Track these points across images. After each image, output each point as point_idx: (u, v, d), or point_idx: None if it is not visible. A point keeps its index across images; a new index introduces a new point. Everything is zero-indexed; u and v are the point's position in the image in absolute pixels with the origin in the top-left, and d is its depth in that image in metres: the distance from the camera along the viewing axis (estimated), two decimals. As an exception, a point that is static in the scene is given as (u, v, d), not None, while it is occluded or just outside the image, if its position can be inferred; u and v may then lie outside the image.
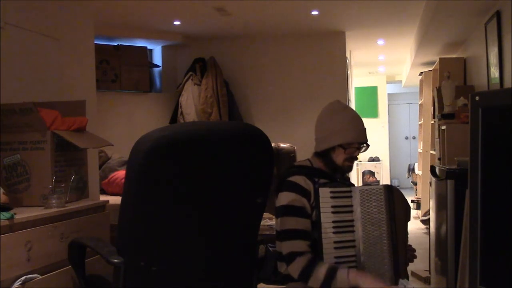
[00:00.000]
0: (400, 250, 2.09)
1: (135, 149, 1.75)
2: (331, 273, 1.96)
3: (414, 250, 2.22)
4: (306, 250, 2.03)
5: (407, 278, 2.14)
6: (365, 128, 2.21)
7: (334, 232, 2.04)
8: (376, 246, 2.05)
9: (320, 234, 2.03)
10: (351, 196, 2.09)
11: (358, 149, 2.19)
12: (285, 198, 2.10)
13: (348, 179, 2.39)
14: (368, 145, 2.22)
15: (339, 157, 2.16)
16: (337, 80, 6.29)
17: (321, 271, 1.96)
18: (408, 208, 2.19)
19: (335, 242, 2.04)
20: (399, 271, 2.07)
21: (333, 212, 2.05)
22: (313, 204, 2.08)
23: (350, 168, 2.21)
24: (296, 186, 2.09)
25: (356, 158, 2.23)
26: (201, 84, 6.04)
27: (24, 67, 2.74)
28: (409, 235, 2.21)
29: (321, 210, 2.04)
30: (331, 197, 2.06)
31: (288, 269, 2.04)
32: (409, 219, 2.20)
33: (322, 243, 2.02)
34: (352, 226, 2.07)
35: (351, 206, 2.09)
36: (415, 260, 2.23)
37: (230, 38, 6.32)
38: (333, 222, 2.04)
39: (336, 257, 2.02)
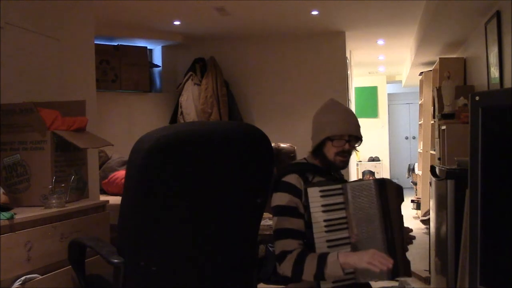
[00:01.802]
0: (397, 242, 2.08)
1: (135, 148, 1.75)
2: (322, 261, 1.95)
3: (411, 230, 2.20)
4: (296, 248, 2.02)
5: (408, 267, 2.11)
6: (356, 122, 2.19)
7: (326, 231, 2.04)
8: (370, 242, 2.05)
9: (311, 234, 2.03)
10: (342, 194, 2.09)
11: (349, 143, 2.18)
12: (278, 198, 2.10)
13: (343, 176, 2.37)
14: (360, 139, 2.20)
15: (329, 152, 2.16)
16: (337, 80, 6.29)
17: (312, 263, 1.96)
18: (400, 191, 2.17)
19: (328, 241, 2.03)
20: (397, 266, 2.05)
21: (324, 211, 2.05)
22: (305, 204, 2.08)
23: (343, 164, 2.19)
24: (289, 186, 2.09)
25: (349, 153, 2.21)
26: (201, 84, 6.04)
27: (24, 67, 2.74)
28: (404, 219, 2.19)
29: (312, 210, 2.04)
30: (321, 196, 2.06)
31: (281, 268, 2.03)
32: (402, 200, 2.17)
33: (315, 243, 2.02)
34: (346, 223, 2.07)
35: (343, 203, 2.08)
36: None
37: (230, 38, 6.32)
38: (325, 221, 2.04)
39: None
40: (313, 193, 2.05)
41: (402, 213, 2.17)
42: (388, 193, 2.10)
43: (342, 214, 2.07)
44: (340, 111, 2.20)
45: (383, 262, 1.88)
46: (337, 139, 2.14)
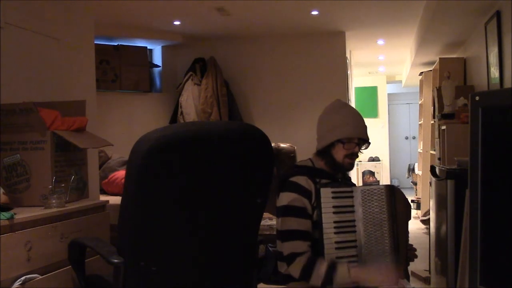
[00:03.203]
0: (401, 250, 2.09)
1: (135, 149, 1.75)
2: (332, 270, 1.96)
3: (414, 250, 2.22)
4: (306, 250, 2.03)
5: (408, 277, 2.14)
6: (365, 125, 2.21)
7: (335, 233, 2.04)
8: (377, 246, 2.05)
9: (321, 234, 2.03)
10: (352, 196, 2.09)
11: (358, 146, 2.18)
12: (286, 198, 2.10)
13: (350, 179, 2.39)
14: (369, 143, 2.21)
15: (338, 154, 2.16)
16: (337, 80, 6.29)
17: (321, 269, 1.97)
18: (408, 208, 2.20)
19: (336, 242, 2.04)
20: (400, 272, 2.07)
21: (334, 212, 2.05)
22: (314, 204, 2.08)
23: (351, 166, 2.20)
24: (298, 186, 2.09)
25: (357, 156, 2.21)
26: (201, 84, 6.04)
27: (24, 67, 2.74)
28: (409, 235, 2.21)
29: (323, 210, 2.04)
30: (333, 197, 2.06)
31: (289, 269, 2.04)
32: (409, 218, 2.20)
33: (324, 243, 2.02)
34: (354, 226, 2.07)
35: (353, 206, 2.09)
36: (415, 260, 2.23)
37: (230, 38, 6.32)
38: (335, 222, 2.04)
39: (337, 258, 2.03)
40: (326, 193, 2.06)
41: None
42: (397, 200, 2.11)
43: (351, 217, 2.08)
44: (350, 113, 2.20)
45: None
46: (348, 142, 2.14)
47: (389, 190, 2.11)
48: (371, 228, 2.07)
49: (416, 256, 2.22)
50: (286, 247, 2.05)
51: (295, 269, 2.02)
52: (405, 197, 2.18)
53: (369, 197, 2.08)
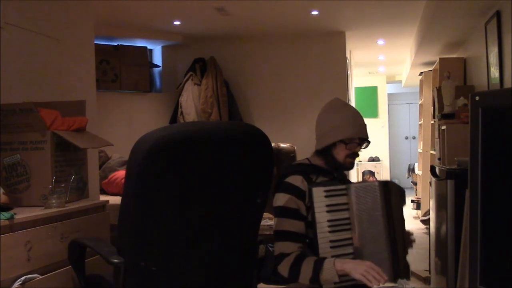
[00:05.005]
0: (399, 245, 2.08)
1: (135, 149, 1.75)
2: (318, 266, 1.95)
3: (411, 234, 2.20)
4: (294, 251, 2.02)
5: (408, 269, 2.11)
6: (365, 124, 2.21)
7: (330, 231, 2.03)
8: (373, 243, 2.04)
9: (315, 234, 2.02)
10: (346, 194, 2.08)
11: (359, 145, 2.18)
12: (280, 199, 2.09)
13: (345, 176, 2.37)
14: (369, 142, 2.21)
15: (340, 154, 2.16)
16: (337, 80, 6.29)
17: (308, 267, 1.96)
18: (403, 195, 2.17)
19: (331, 241, 2.03)
20: (398, 269, 2.05)
21: (328, 211, 2.04)
22: (308, 205, 2.07)
23: (351, 165, 2.20)
24: (292, 188, 2.08)
25: (358, 155, 2.21)
26: (201, 84, 6.04)
27: (24, 67, 2.74)
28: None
29: (316, 210, 2.03)
30: (326, 196, 2.05)
31: (278, 269, 2.04)
32: (404, 203, 2.18)
33: (318, 243, 2.02)
34: (349, 224, 2.06)
35: (347, 204, 2.08)
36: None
37: (230, 38, 6.32)
38: (329, 221, 2.03)
39: (333, 256, 2.02)
40: (318, 193, 2.05)
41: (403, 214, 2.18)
42: (392, 195, 2.10)
43: (345, 214, 2.07)
44: (351, 113, 2.19)
45: (377, 277, 1.87)
46: (350, 142, 2.14)
47: (383, 186, 2.09)
48: (366, 225, 2.05)
49: (414, 240, 2.20)
50: (277, 247, 2.06)
51: (283, 269, 2.01)
52: (398, 186, 2.16)
53: (363, 194, 2.07)
